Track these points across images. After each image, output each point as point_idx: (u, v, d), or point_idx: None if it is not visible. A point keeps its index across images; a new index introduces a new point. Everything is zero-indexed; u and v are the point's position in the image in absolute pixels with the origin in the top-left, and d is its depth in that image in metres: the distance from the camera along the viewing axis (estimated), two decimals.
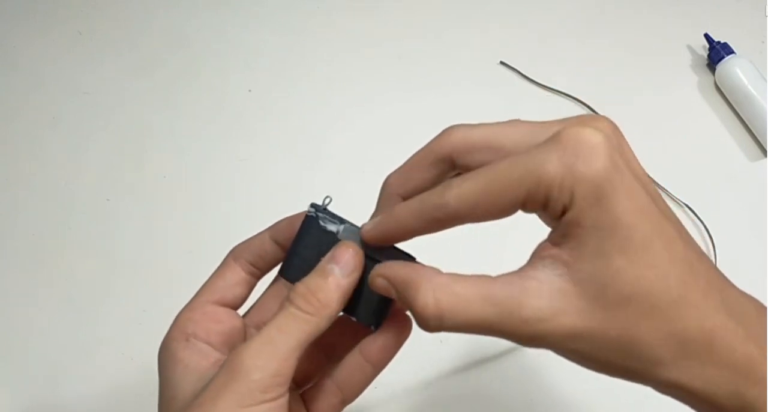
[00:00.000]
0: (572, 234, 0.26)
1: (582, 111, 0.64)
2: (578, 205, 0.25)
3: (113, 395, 0.54)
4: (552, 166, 0.25)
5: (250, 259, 0.34)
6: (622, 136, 0.28)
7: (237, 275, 0.34)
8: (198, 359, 0.31)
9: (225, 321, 0.33)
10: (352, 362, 0.33)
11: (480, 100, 0.66)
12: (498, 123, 0.30)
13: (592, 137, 0.26)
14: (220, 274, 0.35)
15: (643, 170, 0.28)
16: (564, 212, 0.26)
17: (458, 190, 0.27)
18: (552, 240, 0.27)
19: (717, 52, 0.65)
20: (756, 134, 0.63)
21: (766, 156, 0.62)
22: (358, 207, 0.62)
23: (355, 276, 0.31)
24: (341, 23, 0.72)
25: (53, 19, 0.74)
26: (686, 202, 0.59)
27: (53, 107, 0.68)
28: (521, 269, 0.27)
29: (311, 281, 0.30)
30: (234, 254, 0.35)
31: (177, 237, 0.61)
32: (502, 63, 0.68)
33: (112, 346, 0.56)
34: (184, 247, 0.60)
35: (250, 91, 0.69)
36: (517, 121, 0.29)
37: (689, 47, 0.69)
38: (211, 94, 0.69)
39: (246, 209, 0.62)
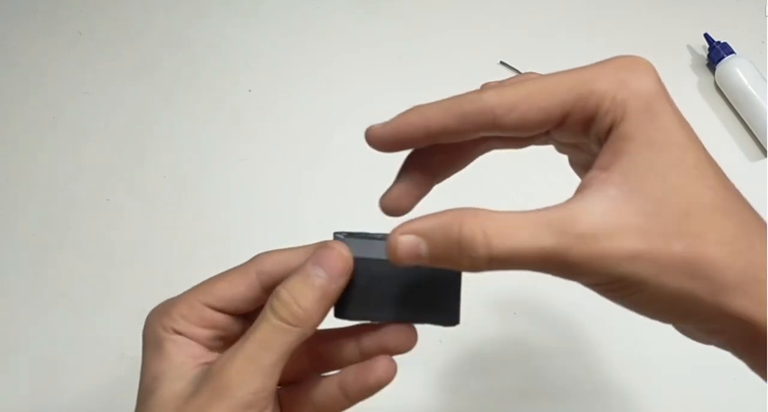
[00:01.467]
0: (623, 151, 0.25)
1: None
2: (631, 118, 0.25)
3: (113, 395, 0.54)
4: (606, 78, 0.25)
5: (278, 279, 0.31)
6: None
7: (251, 291, 0.32)
8: (185, 357, 0.30)
9: (221, 327, 0.32)
10: (330, 391, 0.32)
11: None
12: (533, 77, 0.27)
13: (643, 60, 0.26)
14: (234, 281, 0.32)
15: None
16: (610, 129, 0.25)
17: (499, 88, 0.26)
18: (599, 165, 0.25)
19: (717, 52, 0.65)
20: (756, 134, 0.63)
21: (766, 156, 0.62)
22: (358, 207, 0.62)
23: (343, 280, 0.29)
24: (341, 23, 0.72)
25: (53, 19, 0.74)
26: None
27: (53, 107, 0.68)
28: (566, 201, 0.25)
29: (295, 287, 0.29)
30: (259, 267, 0.32)
31: (177, 237, 0.61)
32: (502, 63, 0.68)
33: (112, 346, 0.56)
34: (184, 247, 0.60)
35: (250, 91, 0.69)
36: (556, 73, 0.27)
37: (689, 47, 0.69)
38: (211, 94, 0.69)
39: (246, 209, 0.62)
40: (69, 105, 0.68)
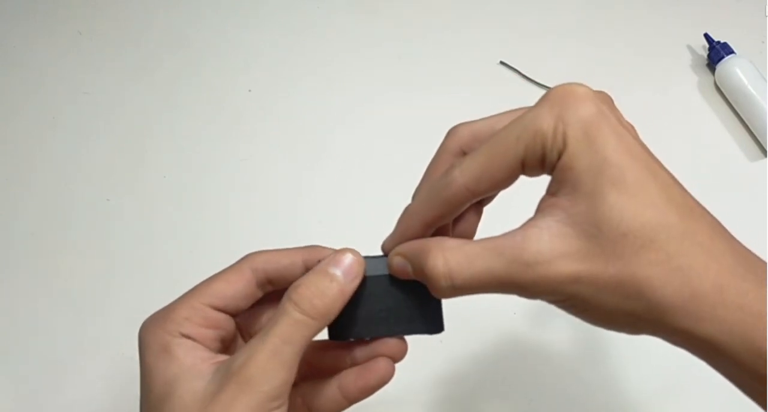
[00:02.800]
0: (566, 178, 0.27)
1: None
2: (571, 147, 0.26)
3: (113, 395, 0.54)
4: (544, 118, 0.27)
5: (271, 275, 0.33)
6: (606, 94, 0.29)
7: (249, 287, 0.33)
8: (194, 359, 0.30)
9: (223, 328, 0.33)
10: (329, 392, 0.33)
11: (480, 100, 0.66)
12: (497, 114, 0.31)
13: (578, 88, 0.27)
14: (231, 280, 0.33)
15: (630, 124, 0.29)
16: (559, 155, 0.27)
17: (462, 166, 0.28)
18: (549, 190, 0.28)
19: (717, 52, 0.65)
20: (756, 134, 0.63)
21: (766, 156, 0.62)
22: (358, 207, 0.63)
23: (356, 283, 0.31)
24: (341, 23, 0.72)
25: (53, 19, 0.74)
26: None
27: (53, 107, 0.68)
28: (524, 224, 0.28)
29: (316, 283, 0.30)
30: (253, 265, 0.33)
31: (177, 237, 0.61)
32: (502, 63, 0.68)
33: (112, 346, 0.56)
34: (184, 247, 0.60)
35: (250, 91, 0.69)
36: (513, 109, 0.30)
37: (689, 47, 0.69)
38: (211, 94, 0.69)
39: (246, 209, 0.62)
40: (69, 105, 0.68)
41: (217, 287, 0.32)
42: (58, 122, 0.68)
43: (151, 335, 0.32)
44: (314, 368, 0.34)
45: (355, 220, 0.61)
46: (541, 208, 0.28)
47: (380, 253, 0.33)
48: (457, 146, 0.31)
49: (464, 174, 0.28)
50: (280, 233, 0.60)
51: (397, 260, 0.31)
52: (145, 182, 0.64)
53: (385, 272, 0.32)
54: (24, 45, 0.72)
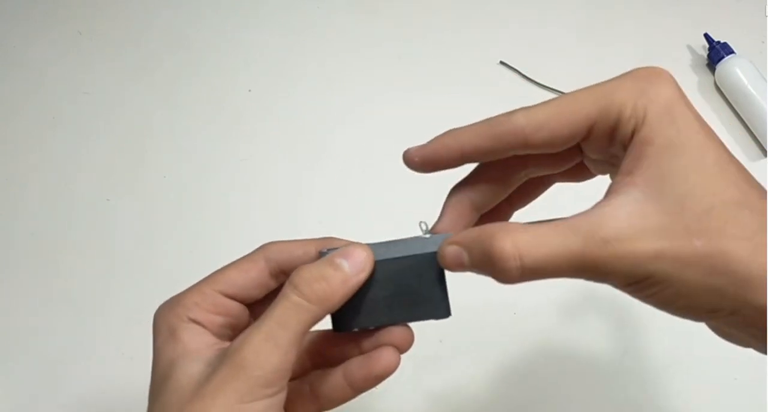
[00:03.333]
0: (644, 154, 0.26)
1: None
2: (651, 122, 0.26)
3: (113, 395, 0.54)
4: (626, 88, 0.27)
5: (285, 265, 0.33)
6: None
7: (261, 276, 0.33)
8: (199, 344, 0.31)
9: (234, 315, 0.33)
10: (334, 381, 0.33)
11: (480, 100, 0.66)
12: (557, 98, 0.29)
13: (662, 71, 0.27)
14: (243, 268, 0.33)
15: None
16: (633, 135, 0.26)
17: (527, 110, 0.28)
18: (623, 170, 0.27)
19: (717, 52, 0.65)
20: (756, 134, 0.63)
21: (766, 156, 0.62)
22: (358, 207, 0.62)
23: (362, 277, 0.30)
24: (341, 23, 0.72)
25: (53, 19, 0.74)
26: None
27: (53, 107, 0.68)
28: (595, 204, 0.27)
29: (319, 268, 0.30)
30: (267, 254, 0.33)
31: (177, 237, 0.61)
32: (502, 63, 0.68)
33: (112, 346, 0.56)
34: (184, 247, 0.60)
35: (250, 91, 0.69)
36: (579, 90, 0.29)
37: (689, 47, 0.69)
38: (211, 94, 0.69)
39: (246, 209, 0.62)
40: (69, 105, 0.68)
41: (229, 275, 0.33)
42: (58, 122, 0.68)
43: (162, 318, 0.32)
44: (324, 358, 0.34)
45: (355, 220, 0.61)
46: (615, 189, 0.27)
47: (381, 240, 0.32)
48: (511, 135, 0.29)
49: (528, 116, 0.27)
50: (280, 232, 0.60)
51: (450, 250, 0.29)
52: (145, 182, 0.64)
53: (387, 256, 0.31)
54: (24, 45, 0.72)
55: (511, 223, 0.27)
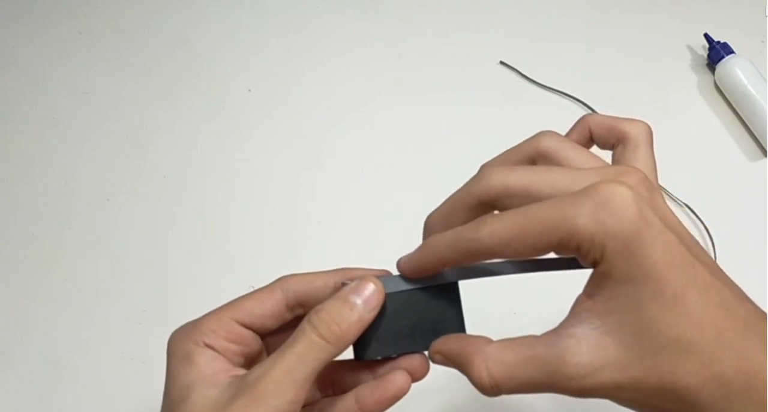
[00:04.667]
0: (604, 286, 0.27)
1: (582, 111, 0.64)
2: (609, 259, 0.27)
3: (113, 395, 0.54)
4: (584, 220, 0.27)
5: (302, 298, 0.34)
6: (654, 187, 0.29)
7: (277, 307, 0.34)
8: (214, 369, 0.32)
9: (248, 344, 0.33)
10: (345, 405, 0.33)
11: (480, 100, 0.66)
12: (535, 168, 0.31)
13: (625, 195, 0.27)
14: (261, 299, 0.34)
15: (676, 219, 0.29)
16: (595, 263, 0.27)
17: (492, 228, 0.28)
18: (586, 292, 0.28)
19: (717, 52, 0.65)
20: (756, 134, 0.63)
21: (765, 156, 0.62)
22: (358, 207, 0.62)
23: (374, 314, 0.31)
24: (341, 23, 0.72)
25: (53, 19, 0.74)
26: (686, 202, 0.59)
27: (53, 107, 0.68)
28: (561, 326, 0.29)
29: (336, 309, 0.31)
30: (285, 286, 0.34)
31: (177, 237, 0.61)
32: (502, 63, 0.68)
33: (112, 346, 0.56)
34: (184, 247, 0.60)
35: (250, 91, 0.69)
36: (554, 168, 0.31)
37: (689, 47, 0.69)
38: (211, 94, 0.69)
39: (246, 209, 0.62)
40: (69, 105, 0.68)
41: (246, 304, 0.34)
42: (58, 122, 0.68)
43: (178, 343, 0.33)
44: (336, 386, 0.35)
45: (355, 220, 0.61)
46: (577, 311, 0.28)
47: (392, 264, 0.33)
48: (487, 197, 0.31)
49: (492, 235, 0.28)
50: (279, 232, 0.60)
51: (438, 358, 0.32)
52: (145, 182, 0.64)
53: (405, 287, 0.32)
54: (24, 45, 0.72)
55: (486, 345, 0.30)
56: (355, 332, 0.31)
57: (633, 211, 0.27)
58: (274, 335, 0.35)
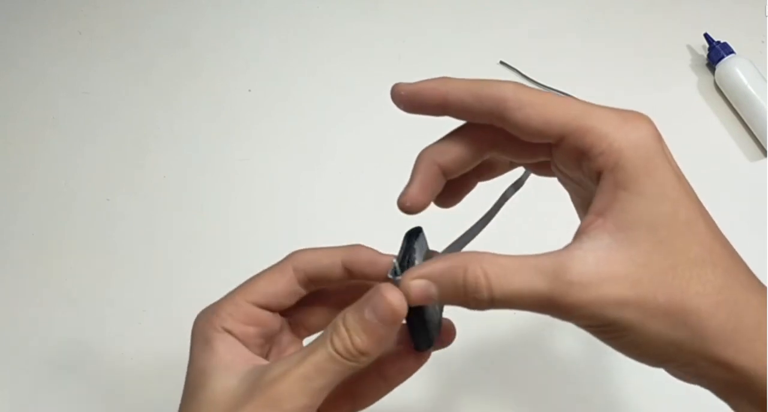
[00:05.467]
0: (618, 198, 0.26)
1: None
2: (628, 168, 0.26)
3: (113, 395, 0.54)
4: (610, 123, 0.27)
5: (312, 275, 0.34)
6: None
7: (291, 285, 0.34)
8: (234, 356, 0.32)
9: (266, 325, 0.33)
10: (367, 376, 0.33)
11: None
12: (552, 94, 0.30)
13: (647, 119, 0.27)
14: (273, 278, 0.34)
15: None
16: (602, 171, 0.27)
17: (519, 85, 0.28)
18: (595, 208, 0.27)
19: (717, 52, 0.65)
20: (756, 134, 0.63)
21: (766, 156, 0.62)
22: (358, 207, 0.62)
23: (396, 326, 0.30)
24: (341, 23, 0.72)
25: (53, 19, 0.74)
26: None
27: (53, 107, 0.68)
28: (566, 246, 0.27)
29: (351, 326, 0.29)
30: (294, 264, 0.34)
31: (177, 237, 0.61)
32: (502, 63, 0.68)
33: (112, 346, 0.56)
34: (184, 247, 0.60)
35: (250, 91, 0.69)
36: (569, 97, 0.30)
37: (689, 47, 0.69)
38: (211, 94, 0.69)
39: (246, 209, 0.62)
40: (69, 105, 0.68)
41: (259, 285, 0.33)
42: (58, 122, 0.68)
43: (198, 328, 0.33)
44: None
45: (355, 220, 0.61)
46: (586, 230, 0.27)
47: (394, 253, 0.33)
48: (497, 99, 0.29)
49: (516, 91, 0.28)
50: (279, 232, 0.60)
51: (417, 284, 0.28)
52: (145, 182, 0.64)
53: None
54: (24, 45, 0.72)
55: (483, 253, 0.28)
56: (373, 349, 0.29)
57: (655, 132, 0.27)
58: (293, 311, 0.35)
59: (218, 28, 0.73)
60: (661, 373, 0.29)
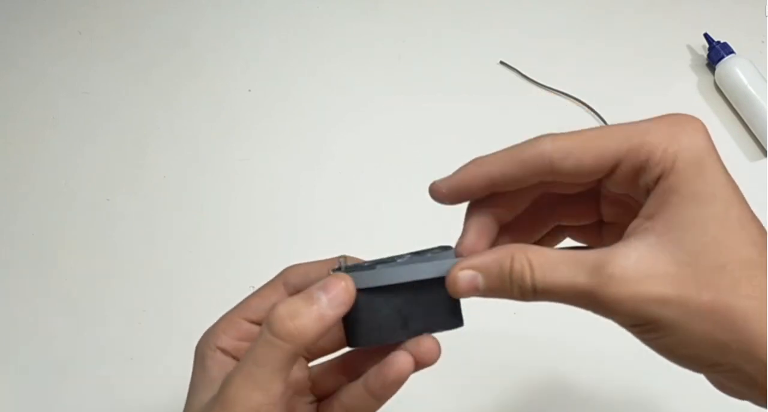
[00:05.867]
0: (668, 202, 0.26)
1: (582, 111, 0.64)
2: (680, 171, 0.26)
3: (113, 395, 0.54)
4: (659, 132, 0.26)
5: (301, 288, 0.32)
6: None
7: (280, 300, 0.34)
8: (220, 372, 0.32)
9: None
10: (357, 393, 0.33)
11: (480, 100, 0.66)
12: (586, 129, 0.29)
13: (695, 120, 0.27)
14: (263, 294, 0.35)
15: None
16: (658, 180, 0.26)
17: (555, 135, 0.28)
18: (644, 213, 0.27)
19: (717, 52, 0.65)
20: (756, 134, 0.63)
21: (766, 156, 0.62)
22: (358, 207, 0.62)
23: (342, 310, 0.30)
24: (341, 23, 0.72)
25: (53, 19, 0.74)
26: None
27: (53, 107, 0.68)
28: (611, 245, 0.27)
29: (293, 304, 0.29)
30: (285, 279, 0.35)
31: (177, 237, 0.61)
32: (502, 63, 0.68)
33: (112, 346, 0.56)
34: (184, 247, 0.60)
35: (250, 91, 0.69)
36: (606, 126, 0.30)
37: (689, 47, 0.69)
38: (211, 94, 0.69)
39: (246, 209, 0.62)
40: (69, 105, 0.68)
41: (252, 302, 0.34)
42: (58, 122, 0.68)
43: (198, 347, 0.34)
44: (358, 373, 0.34)
45: (355, 220, 0.61)
46: (632, 232, 0.27)
47: (391, 254, 0.32)
48: (543, 159, 0.28)
49: (556, 142, 0.27)
50: (279, 232, 0.60)
51: (465, 274, 0.29)
52: (145, 182, 0.64)
53: (395, 281, 0.31)
54: (24, 45, 0.72)
55: (526, 245, 0.28)
56: (315, 328, 0.29)
57: (705, 134, 0.27)
58: None
59: (218, 28, 0.73)
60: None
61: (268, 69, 0.70)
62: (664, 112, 0.67)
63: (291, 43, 0.71)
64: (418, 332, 0.32)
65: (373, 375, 0.32)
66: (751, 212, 0.27)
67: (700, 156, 0.26)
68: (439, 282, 0.31)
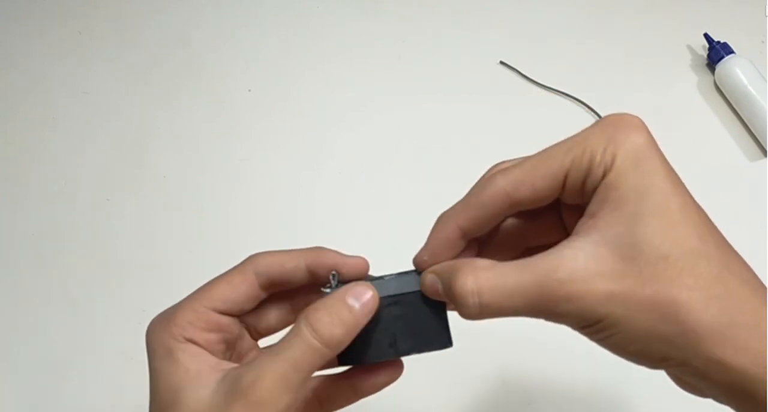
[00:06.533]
0: (609, 199, 0.26)
1: (582, 111, 0.64)
2: (618, 168, 0.26)
3: (113, 395, 0.54)
4: (596, 136, 0.27)
5: (275, 279, 0.33)
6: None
7: (252, 290, 0.33)
8: (200, 366, 0.31)
9: (228, 331, 0.33)
10: (338, 385, 0.33)
11: (480, 100, 0.66)
12: (531, 156, 0.29)
13: (633, 118, 0.27)
14: (233, 282, 0.33)
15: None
16: (603, 176, 0.27)
17: (505, 170, 0.28)
18: (588, 212, 0.27)
19: (717, 52, 0.65)
20: (756, 134, 0.63)
21: (765, 156, 0.62)
22: (357, 207, 0.62)
23: (368, 318, 0.30)
24: (341, 23, 0.72)
25: (53, 19, 0.74)
26: None
27: (53, 107, 0.68)
28: (557, 246, 0.27)
29: (337, 311, 0.29)
30: (256, 268, 0.33)
31: (177, 237, 0.61)
32: (502, 63, 0.68)
33: (112, 346, 0.56)
34: (184, 247, 0.60)
35: (250, 91, 0.69)
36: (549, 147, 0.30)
37: (689, 47, 0.69)
38: (211, 94, 0.69)
39: (246, 209, 0.62)
40: (69, 105, 0.68)
41: (220, 290, 0.32)
42: (58, 122, 0.68)
43: (157, 338, 0.31)
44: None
45: (354, 219, 0.61)
46: (577, 230, 0.27)
47: (384, 271, 0.33)
48: (501, 198, 0.29)
49: (507, 177, 0.28)
50: (279, 232, 0.60)
51: (429, 278, 0.30)
52: (145, 182, 0.64)
53: (390, 292, 0.31)
54: (24, 45, 0.72)
55: (478, 260, 0.28)
56: (351, 336, 0.29)
57: (642, 129, 0.27)
58: (251, 315, 0.34)
59: (218, 28, 0.73)
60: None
61: (268, 69, 0.70)
62: (664, 112, 0.67)
63: (291, 43, 0.71)
64: (405, 352, 0.32)
65: (362, 375, 0.33)
66: (694, 201, 0.27)
67: (637, 151, 0.26)
68: (427, 301, 0.31)
